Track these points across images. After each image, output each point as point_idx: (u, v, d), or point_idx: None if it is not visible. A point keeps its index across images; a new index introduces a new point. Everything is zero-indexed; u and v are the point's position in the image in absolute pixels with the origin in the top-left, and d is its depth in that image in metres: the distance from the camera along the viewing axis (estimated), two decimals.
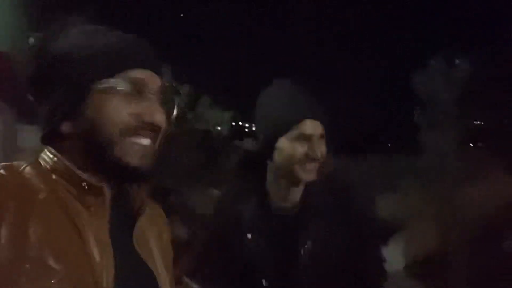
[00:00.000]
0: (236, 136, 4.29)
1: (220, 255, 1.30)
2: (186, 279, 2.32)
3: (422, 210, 2.73)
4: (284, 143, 1.16)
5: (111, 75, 0.69)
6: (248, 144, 4.01)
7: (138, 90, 0.69)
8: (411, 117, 2.72)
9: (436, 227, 2.69)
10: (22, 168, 0.69)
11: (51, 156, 0.70)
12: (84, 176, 0.68)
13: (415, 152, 3.00)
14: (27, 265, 0.60)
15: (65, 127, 0.69)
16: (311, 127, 1.15)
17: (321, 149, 1.15)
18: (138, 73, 0.69)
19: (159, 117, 0.70)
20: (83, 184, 0.68)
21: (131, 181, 0.74)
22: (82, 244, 0.65)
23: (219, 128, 4.05)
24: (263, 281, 1.18)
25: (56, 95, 0.69)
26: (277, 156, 1.17)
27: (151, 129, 0.70)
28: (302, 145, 1.15)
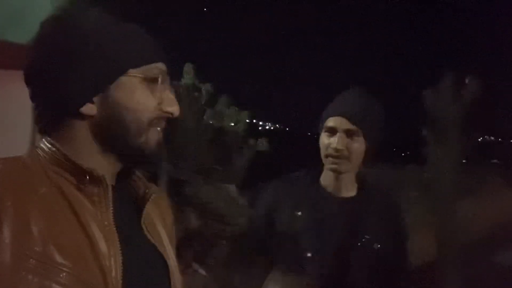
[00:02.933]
0: (251, 135, 4.37)
1: (269, 229, 1.43)
2: (195, 265, 2.47)
3: (423, 221, 2.82)
4: (321, 136, 1.35)
5: (141, 65, 0.69)
6: (262, 145, 4.12)
7: (161, 81, 0.71)
8: (421, 131, 2.80)
9: (436, 238, 2.77)
10: (20, 161, 0.67)
11: (49, 146, 0.68)
12: (84, 165, 0.66)
13: (422, 165, 3.08)
14: (33, 261, 0.58)
15: (87, 109, 0.67)
16: (334, 121, 1.31)
17: (343, 142, 1.28)
18: (161, 65, 0.72)
19: (177, 108, 0.72)
20: (85, 174, 0.65)
21: (144, 167, 0.76)
22: (87, 236, 0.63)
23: (235, 126, 4.15)
24: (308, 254, 1.29)
25: (84, 74, 0.66)
26: (320, 148, 1.36)
27: (167, 118, 0.72)
28: (328, 137, 1.32)
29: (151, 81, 0.70)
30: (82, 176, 0.66)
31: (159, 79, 0.71)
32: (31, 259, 0.58)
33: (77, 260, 0.61)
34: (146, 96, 0.69)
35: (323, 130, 1.34)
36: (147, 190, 0.75)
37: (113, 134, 0.69)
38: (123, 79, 0.68)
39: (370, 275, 1.29)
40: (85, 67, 0.66)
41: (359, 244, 1.29)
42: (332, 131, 1.31)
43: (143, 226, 0.73)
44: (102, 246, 0.64)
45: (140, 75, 0.69)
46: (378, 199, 1.37)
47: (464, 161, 3.24)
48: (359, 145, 1.29)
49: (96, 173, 0.66)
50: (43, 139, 0.70)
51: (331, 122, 1.31)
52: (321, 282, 1.26)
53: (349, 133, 1.28)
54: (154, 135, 0.71)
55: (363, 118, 1.30)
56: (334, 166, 1.30)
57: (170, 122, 0.76)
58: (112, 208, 0.68)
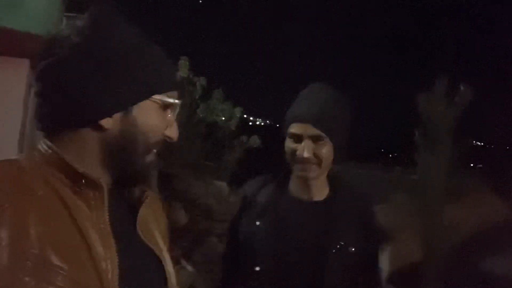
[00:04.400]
0: (243, 131, 4.35)
1: (228, 240, 1.39)
2: (183, 262, 2.48)
3: (409, 224, 2.86)
4: (286, 141, 1.30)
5: (164, 92, 0.72)
6: (254, 141, 4.12)
7: (174, 109, 0.75)
8: (412, 135, 2.83)
9: (420, 241, 2.81)
10: (17, 164, 0.67)
11: (47, 148, 0.68)
12: (81, 169, 0.66)
13: (410, 168, 3.12)
14: (30, 263, 0.58)
15: (106, 122, 0.67)
16: (299, 128, 1.26)
17: (310, 149, 1.24)
18: (175, 94, 0.75)
19: (177, 133, 0.76)
20: (81, 177, 0.66)
21: (141, 183, 0.76)
22: (83, 239, 0.64)
23: (227, 121, 4.13)
24: (257, 268, 1.26)
25: (113, 90, 0.66)
26: (286, 154, 1.31)
27: (165, 141, 0.75)
28: (292, 144, 1.27)
29: (165, 107, 0.73)
30: (79, 180, 0.67)
31: (174, 107, 0.74)
32: (28, 262, 0.59)
33: (74, 262, 0.62)
34: (159, 121, 0.72)
35: (288, 136, 1.30)
36: (142, 194, 0.76)
37: (122, 149, 0.70)
38: (145, 101, 0.70)
39: (346, 279, 1.25)
40: (116, 83, 0.67)
41: (333, 248, 1.25)
42: (297, 138, 1.27)
43: (139, 230, 0.74)
44: (99, 248, 0.64)
45: (159, 101, 0.71)
46: (350, 200, 1.33)
47: (451, 165, 3.28)
48: (326, 148, 1.24)
49: (92, 177, 0.67)
50: (41, 142, 0.69)
51: (295, 128, 1.25)
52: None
53: (314, 139, 1.26)
54: (151, 157, 0.74)
55: (328, 121, 1.24)
56: (303, 173, 1.25)
57: None
58: (108, 211, 0.68)
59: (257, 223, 1.28)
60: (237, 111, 4.25)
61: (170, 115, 0.74)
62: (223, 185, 3.29)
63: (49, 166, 0.67)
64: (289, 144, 1.28)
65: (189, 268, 2.41)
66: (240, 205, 1.35)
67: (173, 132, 0.75)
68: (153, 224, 0.79)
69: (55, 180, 0.66)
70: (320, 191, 1.31)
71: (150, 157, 0.73)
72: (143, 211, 0.75)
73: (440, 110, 2.68)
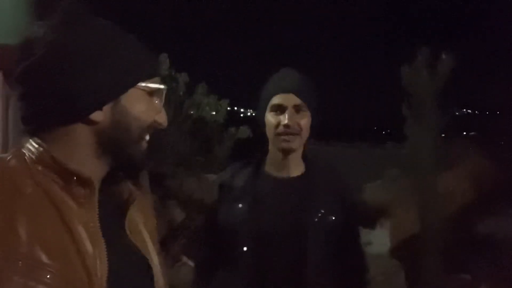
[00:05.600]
0: (231, 123, 4.34)
1: (211, 227, 1.42)
2: (184, 258, 2.47)
3: (405, 197, 2.87)
4: (267, 116, 1.33)
5: (148, 79, 0.73)
6: (243, 132, 4.10)
7: (160, 94, 0.75)
8: (400, 109, 2.84)
9: (418, 213, 2.83)
10: (4, 161, 0.66)
11: (36, 146, 0.67)
12: (72, 167, 0.65)
13: (402, 143, 3.13)
14: (19, 263, 0.58)
15: (97, 115, 0.67)
16: (282, 98, 1.30)
17: (293, 118, 1.29)
18: (158, 80, 0.75)
19: (166, 119, 0.76)
20: (72, 175, 0.65)
21: (134, 174, 0.76)
22: (72, 237, 0.63)
23: (215, 114, 4.11)
24: (244, 248, 1.29)
25: (101, 82, 0.66)
26: (266, 130, 1.35)
27: (155, 127, 0.76)
28: (276, 116, 1.31)
29: (151, 93, 0.73)
30: (70, 178, 0.66)
31: (160, 93, 0.74)
32: (19, 261, 0.58)
33: (63, 260, 0.61)
34: (148, 107, 0.73)
35: (268, 110, 1.34)
36: (130, 194, 0.76)
37: (117, 139, 0.70)
38: (132, 90, 0.71)
39: (329, 247, 1.29)
40: (103, 75, 0.67)
41: (315, 217, 1.29)
42: (280, 109, 1.31)
43: (127, 230, 0.74)
44: (88, 247, 0.64)
45: (146, 89, 0.72)
46: (325, 174, 1.38)
47: (443, 135, 3.30)
48: (307, 119, 1.31)
49: (84, 174, 0.66)
50: (30, 140, 0.68)
51: (278, 99, 1.29)
52: (283, 263, 1.26)
53: (296, 109, 1.29)
54: (144, 144, 0.74)
55: (308, 92, 1.31)
56: (286, 143, 1.30)
57: None
58: (98, 209, 0.68)
59: (239, 205, 1.31)
60: (224, 103, 4.24)
61: (157, 101, 0.75)
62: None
63: (38, 164, 0.66)
64: (271, 118, 1.33)
65: (191, 263, 2.40)
66: (218, 191, 1.39)
67: (162, 118, 0.75)
68: (142, 225, 0.78)
69: (44, 178, 0.65)
70: (297, 168, 1.37)
71: (144, 145, 0.73)
72: (131, 212, 0.75)
73: (423, 81, 2.69)
